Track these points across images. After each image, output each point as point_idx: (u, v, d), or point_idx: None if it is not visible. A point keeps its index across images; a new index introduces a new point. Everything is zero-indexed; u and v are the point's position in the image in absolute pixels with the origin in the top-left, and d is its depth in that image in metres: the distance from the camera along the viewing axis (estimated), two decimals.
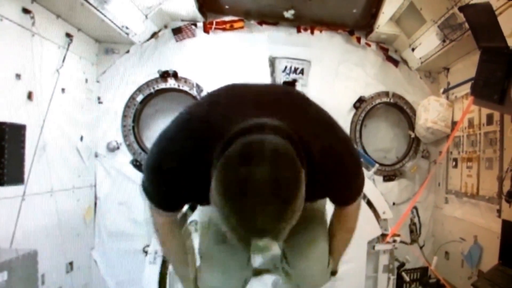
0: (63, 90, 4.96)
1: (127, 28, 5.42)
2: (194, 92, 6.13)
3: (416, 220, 5.72)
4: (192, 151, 1.74)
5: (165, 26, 6.23)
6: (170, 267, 4.35)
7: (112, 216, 6.06)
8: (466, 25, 4.74)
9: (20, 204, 4.05)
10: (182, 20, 6.23)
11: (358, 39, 6.67)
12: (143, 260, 4.56)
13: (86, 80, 5.68)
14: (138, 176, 6.02)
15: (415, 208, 5.72)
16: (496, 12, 4.03)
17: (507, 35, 3.98)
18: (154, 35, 6.17)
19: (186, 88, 6.18)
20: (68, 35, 4.98)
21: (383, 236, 4.71)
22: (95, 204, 6.03)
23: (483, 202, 5.27)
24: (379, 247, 4.74)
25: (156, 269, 4.34)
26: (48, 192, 4.69)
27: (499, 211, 4.89)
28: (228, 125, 1.61)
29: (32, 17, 4.17)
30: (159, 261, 4.33)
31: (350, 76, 6.66)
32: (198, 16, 6.12)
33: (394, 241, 4.75)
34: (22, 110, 4.13)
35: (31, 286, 3.56)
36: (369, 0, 6.00)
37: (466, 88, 5.42)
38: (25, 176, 3.93)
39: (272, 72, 6.32)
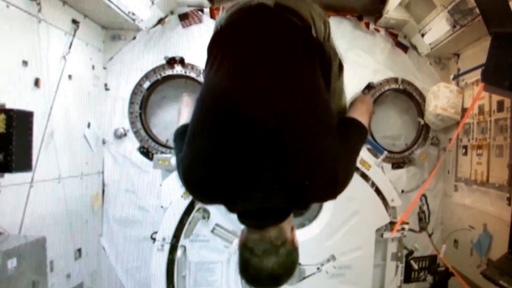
0: (70, 76, 4.95)
1: (133, 14, 5.38)
2: (201, 78, 6.08)
3: (425, 208, 5.71)
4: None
5: (172, 12, 6.16)
6: (178, 253, 4.38)
7: (120, 203, 6.10)
8: (477, 10, 4.66)
9: (28, 191, 4.08)
10: (189, 6, 6.17)
11: (367, 25, 6.57)
12: (151, 247, 4.56)
13: (93, 67, 5.66)
14: (145, 163, 6.05)
15: (424, 196, 5.71)
16: None
17: None
18: (160, 21, 6.12)
19: (193, 75, 6.14)
20: (74, 21, 4.95)
21: (392, 224, 4.69)
22: (103, 191, 6.06)
23: (493, 190, 5.22)
24: (387, 235, 4.72)
25: (164, 256, 4.35)
26: (56, 179, 4.71)
27: (509, 199, 4.85)
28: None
29: (39, 4, 4.15)
30: (167, 248, 4.35)
31: (359, 63, 6.56)
32: (205, 1, 6.05)
33: (403, 229, 4.72)
34: (29, 97, 4.14)
35: (40, 272, 3.60)
36: None
37: (477, 75, 5.37)
38: (33, 163, 3.92)
39: None
